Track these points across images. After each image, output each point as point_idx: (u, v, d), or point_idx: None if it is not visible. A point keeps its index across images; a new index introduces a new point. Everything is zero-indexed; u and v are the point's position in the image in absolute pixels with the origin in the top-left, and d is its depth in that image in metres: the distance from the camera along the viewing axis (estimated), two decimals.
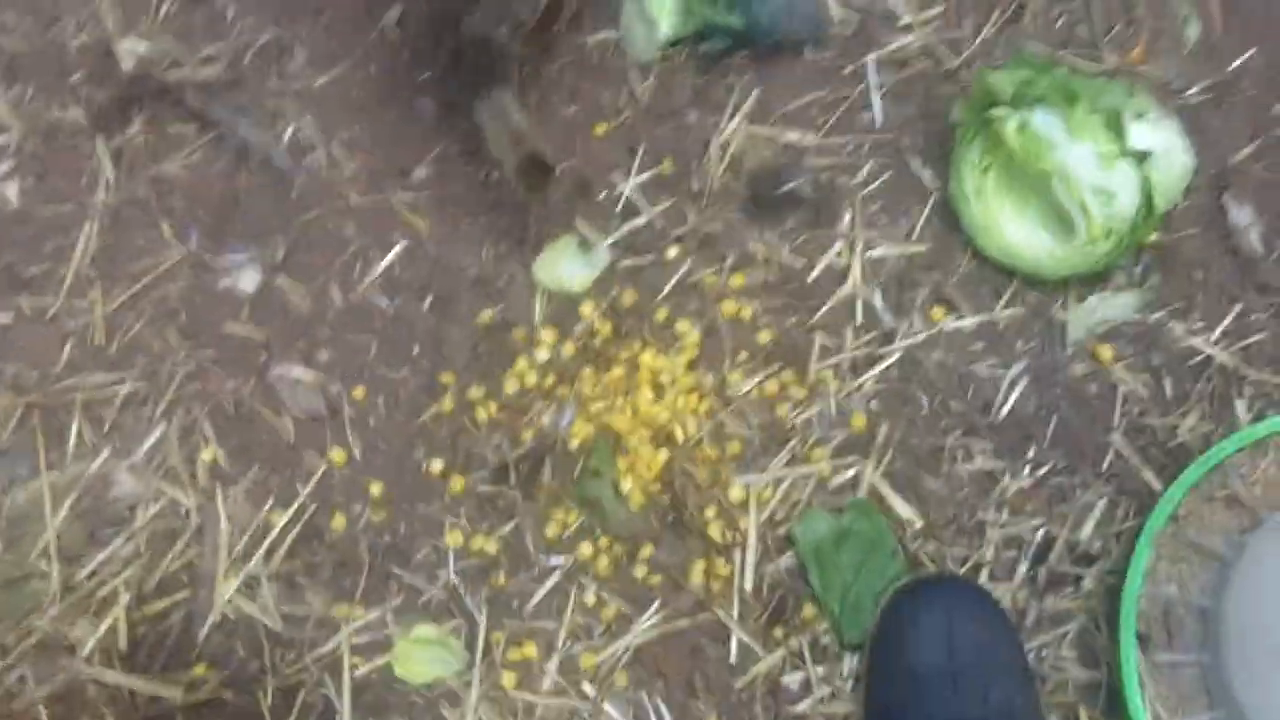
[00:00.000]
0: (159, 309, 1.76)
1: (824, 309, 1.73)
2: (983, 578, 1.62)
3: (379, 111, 1.85)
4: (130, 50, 1.88)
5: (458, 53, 1.61)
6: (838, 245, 1.76)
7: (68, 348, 1.74)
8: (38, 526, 1.66)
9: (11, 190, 1.82)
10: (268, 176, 1.81)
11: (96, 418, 1.71)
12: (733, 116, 1.82)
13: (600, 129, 1.81)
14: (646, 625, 1.63)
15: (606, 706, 1.61)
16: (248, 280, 1.76)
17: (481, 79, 1.62)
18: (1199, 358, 1.70)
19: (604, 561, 1.64)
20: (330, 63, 1.87)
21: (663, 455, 1.66)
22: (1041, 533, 1.64)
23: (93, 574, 1.65)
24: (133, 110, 1.84)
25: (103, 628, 1.61)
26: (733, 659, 1.61)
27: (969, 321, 1.72)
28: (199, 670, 1.61)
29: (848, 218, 1.77)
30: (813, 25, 1.83)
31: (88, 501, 1.67)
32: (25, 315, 1.76)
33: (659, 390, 1.70)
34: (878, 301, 1.74)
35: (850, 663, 1.61)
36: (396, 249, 1.78)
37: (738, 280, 1.74)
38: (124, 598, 1.63)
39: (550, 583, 1.65)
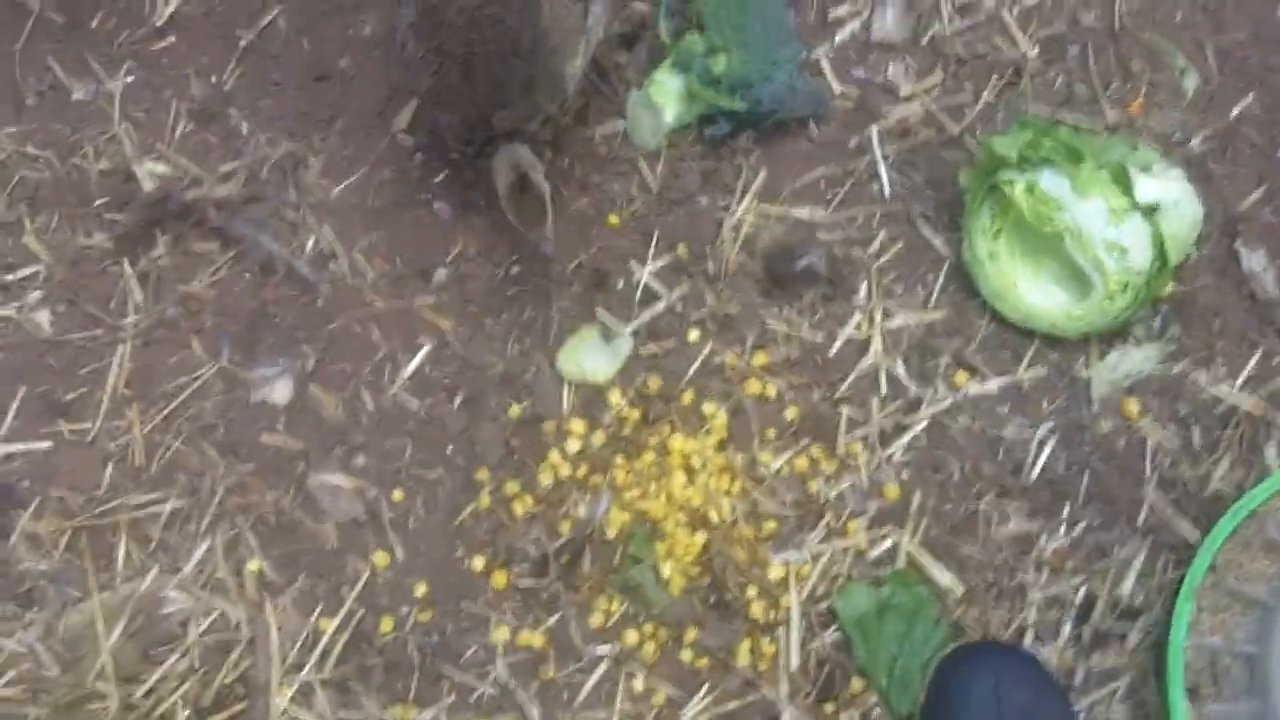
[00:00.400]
0: (196, 425, 1.78)
1: (848, 381, 1.75)
2: (1027, 640, 1.63)
3: (396, 216, 1.88)
4: (150, 173, 1.91)
5: (489, 142, 1.66)
6: (856, 317, 1.78)
7: (109, 469, 1.77)
8: (93, 648, 1.67)
9: (43, 318, 1.85)
10: (293, 288, 1.84)
11: (143, 536, 1.73)
12: (742, 197, 1.85)
13: (614, 219, 1.84)
14: (696, 709, 1.64)
15: None
16: (281, 391, 1.79)
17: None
18: (1224, 405, 1.72)
19: (650, 648, 1.65)
20: (346, 171, 1.91)
21: (700, 538, 1.68)
22: (1083, 591, 1.65)
23: (150, 692, 1.66)
24: (156, 232, 1.88)
25: None
26: None
27: (993, 385, 1.74)
28: None
29: (864, 289, 1.80)
30: (814, 102, 1.86)
31: (140, 620, 1.69)
32: (66, 439, 1.79)
33: (691, 473, 1.71)
34: (900, 371, 1.75)
35: None
36: (423, 351, 1.80)
37: (760, 359, 1.76)
38: (182, 714, 1.64)
39: (599, 672, 1.66)
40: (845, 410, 1.74)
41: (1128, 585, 1.65)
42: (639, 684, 1.65)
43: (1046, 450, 1.71)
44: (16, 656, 1.68)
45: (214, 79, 1.97)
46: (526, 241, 1.76)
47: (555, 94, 1.67)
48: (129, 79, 1.97)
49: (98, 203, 1.90)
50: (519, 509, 1.71)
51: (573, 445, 1.73)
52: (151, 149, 1.93)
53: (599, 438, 1.74)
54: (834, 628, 1.65)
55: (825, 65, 1.91)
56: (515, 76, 1.63)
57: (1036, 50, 1.90)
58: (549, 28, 1.63)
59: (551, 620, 1.68)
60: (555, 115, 1.70)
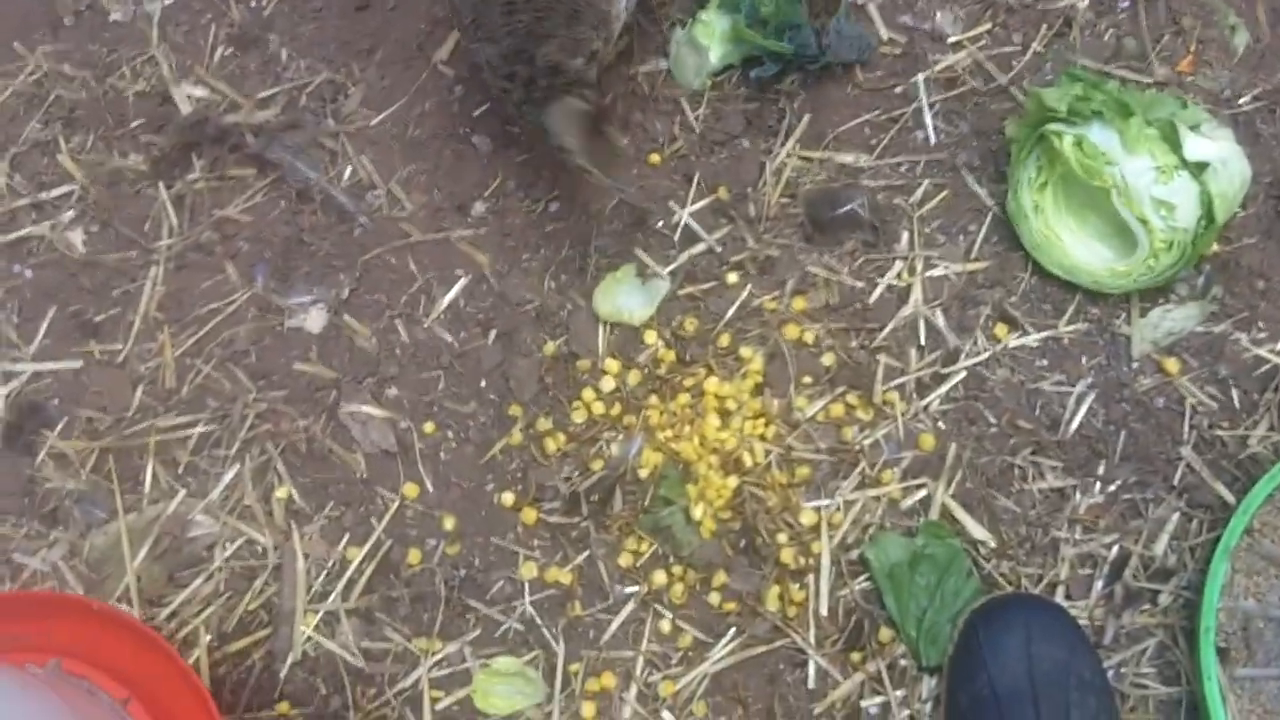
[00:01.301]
0: (228, 351, 1.75)
1: (887, 330, 1.72)
2: (1058, 596, 1.60)
3: (436, 148, 1.85)
4: (187, 96, 1.88)
5: (530, 81, 1.59)
6: (898, 266, 1.75)
7: (139, 392, 1.74)
8: (118, 569, 1.65)
9: (77, 238, 1.82)
10: (329, 216, 1.81)
11: (171, 460, 1.71)
12: (786, 141, 1.81)
13: (655, 158, 1.81)
14: (723, 652, 1.61)
15: None
16: (314, 320, 1.76)
17: (554, 97, 1.61)
18: (1266, 367, 1.68)
19: (678, 589, 1.63)
20: (385, 102, 1.88)
21: (732, 482, 1.65)
22: (1116, 549, 1.62)
23: (173, 614, 1.64)
24: (193, 155, 1.85)
25: None
26: (811, 684, 1.60)
27: (1033, 338, 1.71)
28: (282, 708, 1.60)
29: (906, 238, 1.76)
30: (860, 47, 1.82)
31: (166, 543, 1.67)
32: (96, 360, 1.76)
33: (725, 417, 1.68)
34: (940, 321, 1.72)
35: (929, 685, 1.59)
36: (459, 284, 1.77)
37: (799, 304, 1.73)
38: (205, 638, 1.62)
39: (625, 612, 1.63)
40: (883, 359, 1.70)
41: (1161, 545, 1.61)
42: (666, 625, 1.62)
43: (1084, 406, 1.67)
44: (41, 575, 1.67)
45: (254, 3, 1.94)
46: (605, 191, 1.71)
47: (601, 26, 1.62)
48: (168, 1, 1.94)
49: (134, 124, 1.88)
50: (551, 446, 1.68)
51: (607, 384, 1.70)
52: (189, 72, 1.90)
53: (634, 377, 1.71)
54: (864, 576, 1.62)
55: (873, 10, 1.87)
56: (558, 8, 1.58)
57: (1087, 2, 1.86)
58: None
59: (580, 558, 1.65)
60: (600, 50, 1.64)
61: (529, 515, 1.66)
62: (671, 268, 1.76)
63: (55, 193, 1.84)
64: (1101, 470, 1.65)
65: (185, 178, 1.84)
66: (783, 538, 1.63)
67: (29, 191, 1.84)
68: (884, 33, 1.86)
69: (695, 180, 1.80)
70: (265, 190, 1.83)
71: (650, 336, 1.72)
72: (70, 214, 1.83)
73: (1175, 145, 1.62)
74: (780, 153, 1.80)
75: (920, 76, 1.83)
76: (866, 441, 1.68)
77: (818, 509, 1.65)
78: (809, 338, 1.71)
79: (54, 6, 1.96)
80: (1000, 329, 1.71)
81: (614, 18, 1.64)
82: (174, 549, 1.67)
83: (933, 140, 1.81)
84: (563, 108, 1.60)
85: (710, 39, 1.82)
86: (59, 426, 1.73)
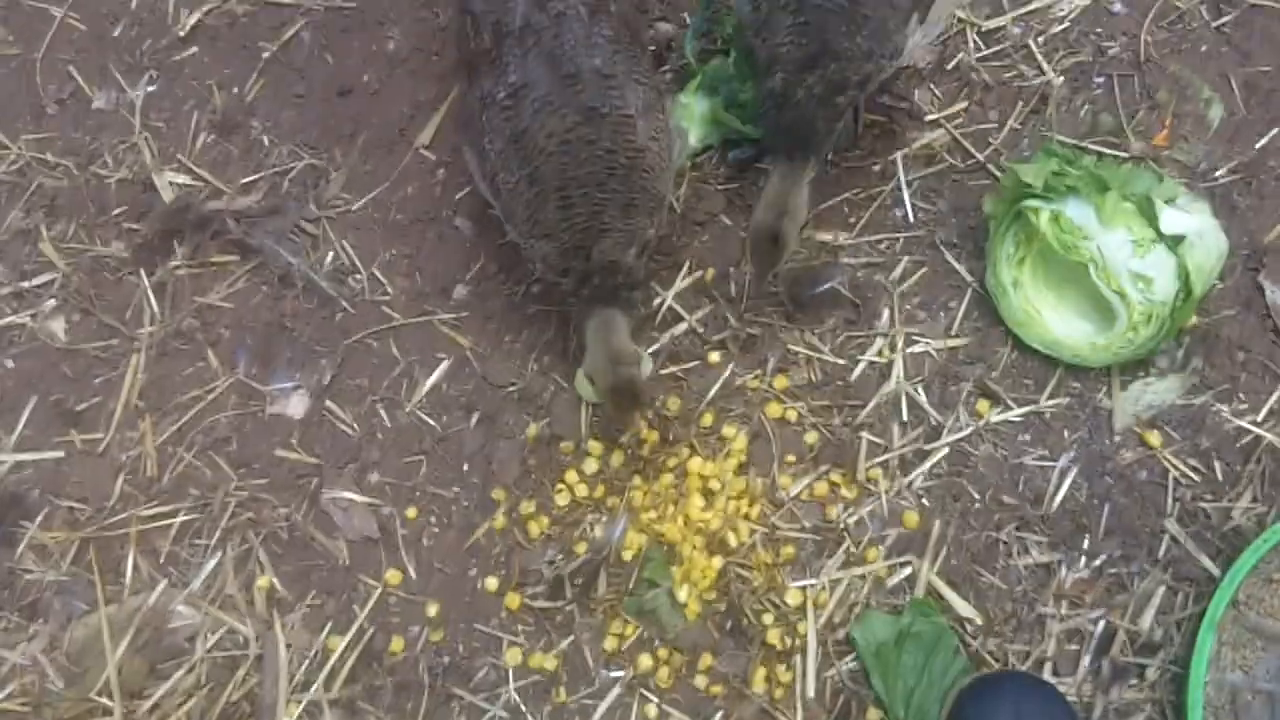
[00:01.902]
0: (209, 438, 1.76)
1: (869, 407, 1.73)
2: (1046, 672, 1.60)
3: (418, 232, 1.87)
4: (169, 183, 1.90)
5: (585, 276, 1.60)
6: (879, 343, 1.76)
7: (120, 481, 1.75)
8: (99, 662, 1.65)
9: (58, 326, 1.83)
10: (311, 301, 1.83)
11: (152, 549, 1.71)
12: None
13: None
14: None
15: None
16: (296, 406, 1.77)
17: (600, 300, 1.62)
18: (1248, 438, 1.69)
19: (664, 673, 1.62)
20: (367, 186, 1.90)
21: (717, 562, 1.66)
22: (1102, 624, 1.62)
23: (155, 707, 1.64)
24: (174, 242, 1.87)
25: None
26: None
27: (1015, 413, 1.72)
28: None
29: (887, 314, 1.78)
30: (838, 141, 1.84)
31: (147, 634, 1.67)
32: (77, 449, 1.77)
33: (709, 497, 1.69)
34: (922, 397, 1.73)
35: None
36: (441, 367, 1.79)
37: (781, 382, 1.74)
38: None
39: (611, 696, 1.63)
40: (866, 436, 1.71)
41: (1147, 619, 1.62)
42: (652, 710, 1.62)
43: (1068, 481, 1.68)
44: (20, 669, 1.66)
45: (236, 90, 1.97)
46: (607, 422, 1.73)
47: (654, 212, 1.63)
48: (150, 88, 1.98)
49: (116, 212, 1.90)
50: (534, 529, 1.69)
51: (590, 466, 1.71)
52: (172, 159, 1.92)
53: (617, 458, 1.71)
54: (851, 656, 1.62)
55: None
56: (614, 200, 1.58)
57: (1062, 79, 1.89)
58: (645, 146, 1.59)
59: (564, 643, 1.65)
60: (652, 238, 1.65)
61: (513, 600, 1.66)
62: (654, 348, 1.77)
63: (37, 281, 1.86)
64: (1086, 544, 1.66)
65: (167, 265, 1.85)
66: (769, 618, 1.63)
67: (10, 280, 1.86)
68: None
69: (678, 260, 1.82)
70: (247, 276, 1.85)
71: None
72: (52, 302, 1.84)
73: (1152, 219, 1.64)
74: None
75: (898, 155, 1.86)
76: (851, 519, 1.68)
77: (803, 589, 1.65)
78: (791, 416, 1.72)
79: (37, 94, 1.98)
80: (982, 404, 1.72)
81: (664, 200, 1.65)
82: (155, 640, 1.67)
83: (911, 217, 1.83)
84: (607, 331, 1.61)
85: (690, 121, 1.85)
86: (39, 517, 1.73)
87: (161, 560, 1.71)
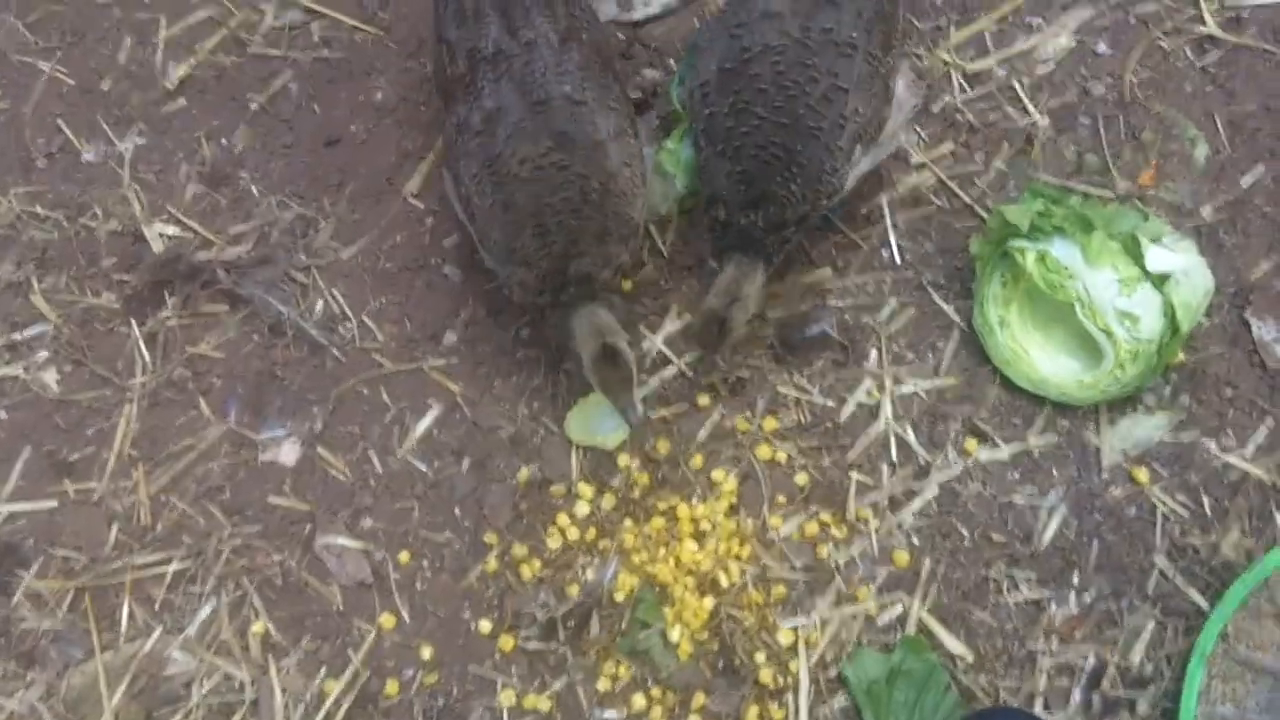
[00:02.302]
0: (202, 486, 1.87)
1: (858, 447, 1.84)
2: (1037, 708, 1.71)
3: (407, 279, 1.98)
4: (159, 234, 2.02)
5: (561, 288, 1.71)
6: (867, 383, 1.88)
7: (114, 529, 1.85)
8: (95, 709, 1.75)
9: (50, 378, 1.94)
10: (302, 350, 1.94)
11: (147, 597, 1.82)
12: None
13: (627, 285, 1.95)
14: None
15: None
16: (288, 453, 1.88)
17: (580, 300, 1.73)
18: (1235, 474, 1.81)
19: (658, 712, 1.73)
20: (356, 235, 2.01)
21: (709, 603, 1.76)
22: (1092, 659, 1.73)
23: None
24: (165, 293, 1.98)
25: None
26: None
27: (1003, 452, 1.83)
28: None
29: (875, 355, 1.90)
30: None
31: (143, 681, 1.77)
32: (71, 499, 1.88)
33: (700, 538, 1.80)
34: (911, 437, 1.85)
35: None
36: (432, 413, 1.90)
37: (770, 424, 1.86)
38: None
39: None
40: (855, 476, 1.83)
41: (1137, 653, 1.72)
42: None
43: (1056, 518, 1.80)
44: (18, 716, 1.76)
45: (224, 142, 2.08)
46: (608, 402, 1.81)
47: (628, 238, 1.74)
48: (139, 141, 2.09)
49: (106, 263, 2.01)
50: (527, 572, 1.80)
51: (581, 509, 1.82)
52: (161, 210, 2.04)
53: (608, 501, 1.83)
54: (843, 694, 1.73)
55: None
56: (589, 226, 1.69)
57: (1047, 120, 2.02)
58: (616, 171, 1.71)
59: (558, 684, 1.75)
60: (626, 262, 1.76)
61: (506, 642, 1.77)
62: (643, 392, 1.88)
63: (28, 333, 1.97)
64: (1076, 580, 1.77)
65: (158, 315, 1.97)
66: (761, 657, 1.74)
67: (2, 332, 1.97)
68: None
69: (665, 304, 1.94)
70: (237, 326, 1.96)
71: (624, 460, 1.85)
72: (44, 354, 1.95)
73: (1138, 258, 1.76)
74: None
75: (884, 197, 1.98)
76: (841, 559, 1.79)
77: (795, 628, 1.76)
78: (781, 457, 1.84)
79: (27, 148, 2.09)
80: (971, 443, 1.84)
81: (638, 225, 1.77)
82: (151, 687, 1.77)
83: (899, 259, 1.95)
84: (586, 317, 1.72)
85: (676, 166, 1.95)
86: (34, 566, 1.84)
87: (156, 607, 1.81)
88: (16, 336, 1.97)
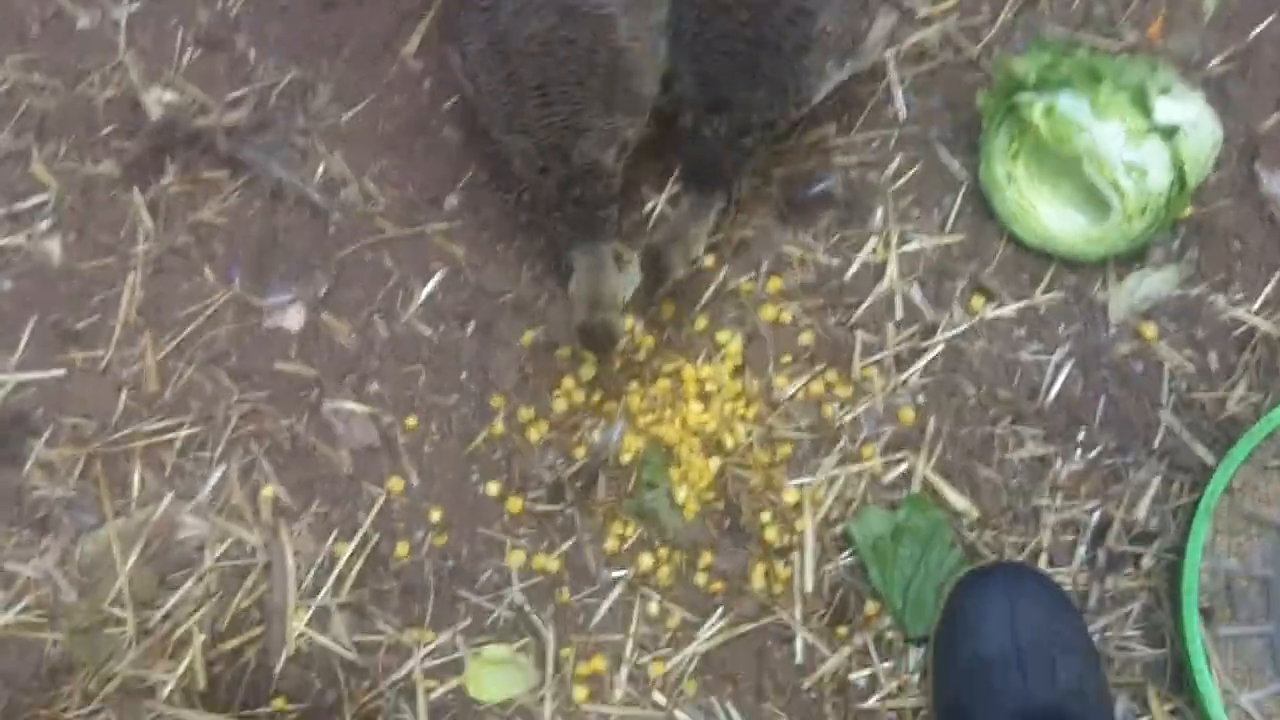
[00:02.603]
0: (209, 352, 1.87)
1: (864, 306, 1.83)
2: (1042, 563, 1.72)
3: (407, 143, 1.96)
4: (157, 100, 1.99)
5: (567, 182, 1.68)
6: (872, 242, 1.86)
7: (123, 397, 1.86)
8: (109, 574, 1.77)
9: (53, 247, 1.93)
10: (304, 215, 1.92)
11: (157, 463, 1.82)
12: None
13: None
14: (711, 632, 1.73)
15: (678, 714, 1.71)
16: (293, 318, 1.88)
17: (583, 228, 1.71)
18: (1243, 328, 1.79)
19: (665, 571, 1.74)
20: (355, 98, 1.98)
21: (714, 463, 1.77)
22: (1097, 515, 1.73)
23: (166, 616, 1.76)
24: (165, 159, 1.96)
25: (181, 668, 1.73)
26: (799, 660, 1.72)
27: (1010, 309, 1.82)
28: (278, 704, 1.72)
29: (880, 213, 1.87)
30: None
31: (156, 546, 1.79)
32: (78, 368, 1.87)
33: (706, 399, 1.80)
34: (917, 295, 1.83)
35: (916, 656, 1.70)
36: (436, 278, 1.89)
37: (775, 284, 1.84)
38: (199, 638, 1.74)
39: (613, 596, 1.75)
40: (860, 335, 1.82)
41: (1143, 508, 1.73)
42: (653, 607, 1.74)
43: (1063, 374, 1.79)
44: (34, 582, 1.78)
45: (220, 5, 2.04)
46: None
47: (634, 115, 1.70)
48: (134, 6, 2.05)
49: (105, 131, 1.99)
50: (533, 435, 1.80)
51: (587, 372, 1.82)
52: (158, 76, 2.01)
53: (613, 364, 1.82)
54: (848, 552, 1.74)
55: None
56: (594, 98, 1.65)
57: None
58: (626, 45, 1.66)
59: (566, 545, 1.77)
60: (630, 140, 1.72)
61: (514, 504, 1.78)
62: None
63: (30, 203, 1.95)
64: (1082, 437, 1.77)
65: (159, 182, 1.95)
66: (766, 516, 1.75)
67: (3, 203, 1.95)
68: None
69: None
70: (239, 192, 1.94)
71: (628, 322, 1.83)
72: (46, 223, 1.94)
73: (1145, 110, 1.72)
74: None
75: (889, 52, 1.94)
76: (847, 418, 1.79)
77: (800, 487, 1.76)
78: (786, 317, 1.83)
79: (21, 15, 2.06)
80: (977, 301, 1.82)
81: (647, 100, 1.72)
82: (164, 551, 1.78)
83: (904, 115, 1.92)
84: (594, 261, 1.70)
85: None
86: (45, 435, 1.84)
87: (167, 473, 1.82)
88: (19, 206, 1.95)
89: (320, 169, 1.94)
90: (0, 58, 2.03)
